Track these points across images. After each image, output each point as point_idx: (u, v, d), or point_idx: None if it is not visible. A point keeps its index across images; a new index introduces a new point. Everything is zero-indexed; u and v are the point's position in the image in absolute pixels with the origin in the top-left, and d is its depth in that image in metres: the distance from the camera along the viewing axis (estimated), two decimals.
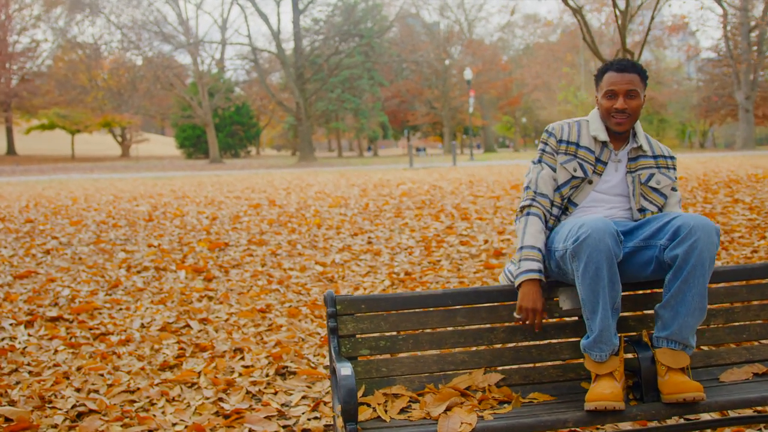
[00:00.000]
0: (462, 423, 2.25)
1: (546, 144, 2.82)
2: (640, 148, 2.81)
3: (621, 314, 2.69)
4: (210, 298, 5.79)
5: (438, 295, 2.72)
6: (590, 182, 2.76)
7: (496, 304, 2.73)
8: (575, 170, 2.74)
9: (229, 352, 4.32)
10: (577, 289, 2.61)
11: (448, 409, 2.39)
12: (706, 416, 3.11)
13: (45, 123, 59.20)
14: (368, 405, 2.48)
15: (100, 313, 5.42)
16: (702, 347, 2.87)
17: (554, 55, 63.23)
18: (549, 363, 2.70)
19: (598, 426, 3.11)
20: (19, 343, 4.72)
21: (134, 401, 3.65)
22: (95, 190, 18.98)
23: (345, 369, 2.28)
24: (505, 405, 2.48)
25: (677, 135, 74.10)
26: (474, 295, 2.73)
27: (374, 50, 50.09)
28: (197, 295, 5.87)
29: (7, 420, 3.42)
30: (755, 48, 49.45)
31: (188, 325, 4.99)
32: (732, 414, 3.09)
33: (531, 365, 2.70)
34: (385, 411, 2.43)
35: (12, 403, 3.64)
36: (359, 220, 9.97)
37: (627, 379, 2.50)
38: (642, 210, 2.78)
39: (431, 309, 2.70)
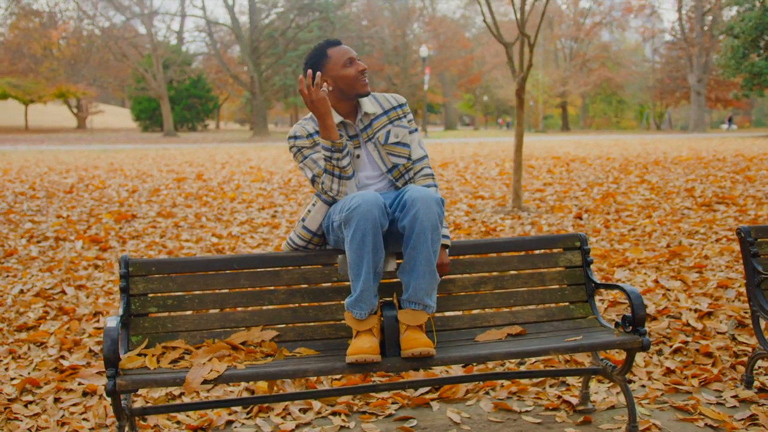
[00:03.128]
0: (211, 370, 2.56)
1: (298, 147, 3.02)
2: (367, 114, 3.06)
3: (391, 281, 3.01)
4: (96, 267, 6.03)
5: (224, 259, 3.02)
6: (357, 156, 3.06)
7: (277, 268, 3.03)
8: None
9: (87, 316, 4.59)
10: None
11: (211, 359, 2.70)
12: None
13: None
14: (153, 355, 2.78)
15: None
16: (472, 311, 3.20)
17: (513, 33, 63.58)
18: (323, 322, 3.02)
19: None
20: None
21: None
22: (35, 162, 18.92)
23: (111, 321, 2.57)
24: (269, 357, 2.80)
25: (635, 116, 75.28)
26: (258, 261, 3.04)
27: (333, 25, 49.86)
28: (85, 263, 6.10)
29: None
30: (708, 31, 50.34)
31: (64, 291, 5.24)
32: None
33: (306, 324, 3.02)
34: (158, 361, 2.73)
35: None
36: (275, 194, 10.24)
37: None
38: (395, 166, 3.05)
39: (217, 272, 3.00)
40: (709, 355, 3.82)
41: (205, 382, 2.53)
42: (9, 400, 3.43)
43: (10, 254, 6.48)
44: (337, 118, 3.01)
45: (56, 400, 3.43)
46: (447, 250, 2.99)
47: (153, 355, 2.74)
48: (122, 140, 41.33)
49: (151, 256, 6.39)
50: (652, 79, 63.19)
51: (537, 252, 3.29)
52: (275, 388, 3.52)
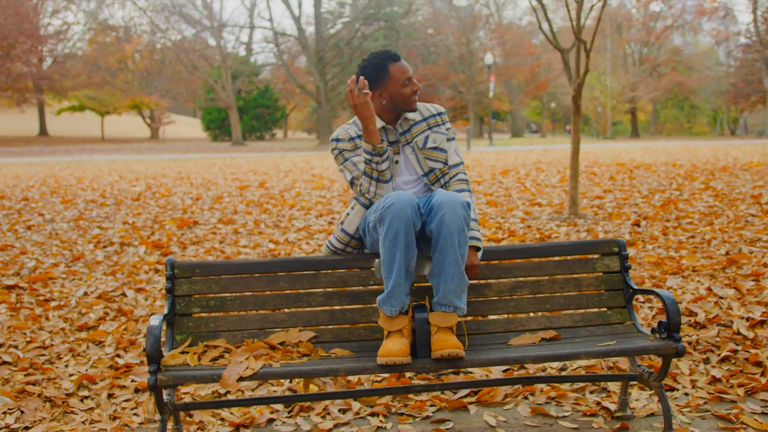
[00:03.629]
0: (247, 368, 2.67)
1: (340, 149, 3.12)
2: (407, 119, 3.15)
3: (425, 284, 3.07)
4: (156, 271, 6.26)
5: (265, 262, 3.13)
6: (396, 162, 3.14)
7: (316, 272, 3.13)
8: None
9: (144, 317, 4.78)
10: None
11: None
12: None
13: (75, 105, 60.45)
14: (194, 353, 2.91)
15: (54, 283, 5.92)
16: (507, 315, 3.23)
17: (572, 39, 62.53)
18: (359, 324, 3.10)
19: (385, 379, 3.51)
20: None
21: (44, 355, 4.13)
22: (108, 171, 19.65)
23: (154, 320, 2.70)
24: (305, 357, 2.89)
25: (709, 122, 73.12)
26: (297, 264, 3.14)
27: (398, 34, 50.17)
28: (146, 267, 6.34)
29: None
30: None
31: (124, 294, 5.47)
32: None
33: (342, 326, 3.10)
34: (199, 359, 2.85)
35: None
36: (334, 202, 10.39)
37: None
38: (431, 170, 3.13)
39: (258, 274, 3.11)
40: (758, 364, 3.73)
41: (240, 379, 2.63)
42: (67, 394, 3.62)
43: (77, 258, 6.79)
44: (379, 123, 3.10)
45: (110, 396, 3.60)
46: (479, 253, 3.03)
47: (194, 353, 2.87)
48: (192, 150, 42.44)
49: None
50: (726, 83, 61.24)
51: (574, 257, 3.29)
52: (317, 389, 3.62)
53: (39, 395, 3.61)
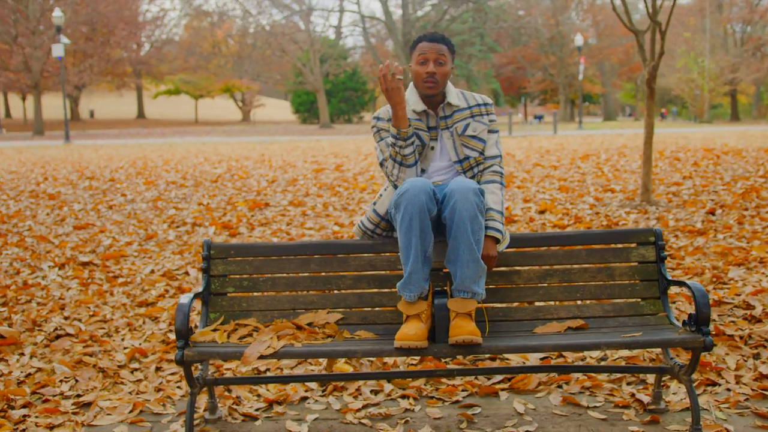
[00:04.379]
0: (269, 346, 2.76)
1: (378, 128, 3.18)
2: (451, 105, 3.14)
3: (446, 270, 3.08)
4: None
5: (296, 245, 3.22)
6: (432, 148, 3.15)
7: (346, 255, 3.19)
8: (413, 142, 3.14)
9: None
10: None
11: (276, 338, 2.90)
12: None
13: (171, 89, 62.60)
14: (225, 331, 3.03)
15: (125, 260, 6.22)
16: (536, 303, 3.20)
17: (678, 18, 60.15)
18: (386, 308, 3.15)
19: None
20: (46, 280, 5.57)
21: (103, 328, 4.37)
22: (195, 153, 20.32)
23: (184, 298, 2.83)
24: (329, 338, 2.97)
25: None
26: (328, 247, 3.21)
27: (486, 15, 49.55)
28: None
29: (1, 337, 4.22)
30: None
31: (187, 273, 5.69)
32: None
33: (370, 308, 3.16)
34: (228, 337, 2.97)
35: (11, 325, 4.44)
36: None
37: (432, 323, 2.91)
38: (465, 158, 3.13)
39: (289, 256, 3.20)
40: None
41: (261, 357, 2.73)
42: (119, 366, 3.83)
43: (150, 237, 7.10)
44: (419, 106, 3.13)
45: (157, 369, 3.79)
46: (499, 245, 3.01)
47: (224, 331, 2.98)
48: (280, 132, 43.32)
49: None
50: None
51: (608, 246, 3.23)
52: (353, 369, 3.70)
53: (94, 366, 3.83)
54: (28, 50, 41.45)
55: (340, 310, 3.15)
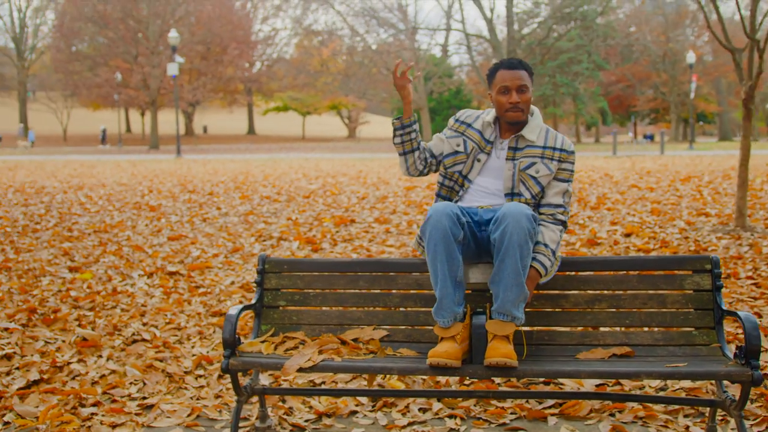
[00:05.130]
0: (309, 359, 2.85)
1: (450, 124, 3.29)
2: (525, 138, 3.11)
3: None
4: None
5: (346, 262, 3.31)
6: (478, 160, 3.16)
7: (393, 273, 3.25)
8: (458, 145, 3.17)
9: None
10: (471, 266, 3.11)
11: (319, 351, 2.99)
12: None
13: (279, 105, 64.60)
14: (272, 343, 3.15)
15: (210, 271, 6.50)
16: (582, 328, 3.15)
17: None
18: (431, 327, 3.17)
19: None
20: (134, 288, 5.90)
21: (176, 336, 4.60)
22: (296, 169, 20.88)
23: (233, 310, 2.96)
24: (371, 354, 3.03)
25: None
26: (376, 266, 3.28)
27: (594, 32, 48.54)
28: None
29: (84, 340, 4.51)
30: None
31: None
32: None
33: (414, 327, 3.20)
34: (275, 348, 3.08)
35: (94, 328, 4.74)
36: None
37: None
38: (517, 194, 3.10)
39: (339, 273, 3.29)
40: None
41: (300, 369, 2.82)
42: (185, 372, 4.02)
43: (236, 250, 7.38)
44: (491, 116, 3.19)
45: (219, 377, 3.95)
46: (539, 279, 2.98)
47: (272, 343, 3.10)
48: (383, 149, 43.84)
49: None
50: None
51: (661, 272, 3.15)
52: (405, 386, 3.74)
53: (162, 370, 4.04)
54: (146, 69, 43.90)
55: (386, 327, 3.20)
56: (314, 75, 59.24)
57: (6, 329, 4.72)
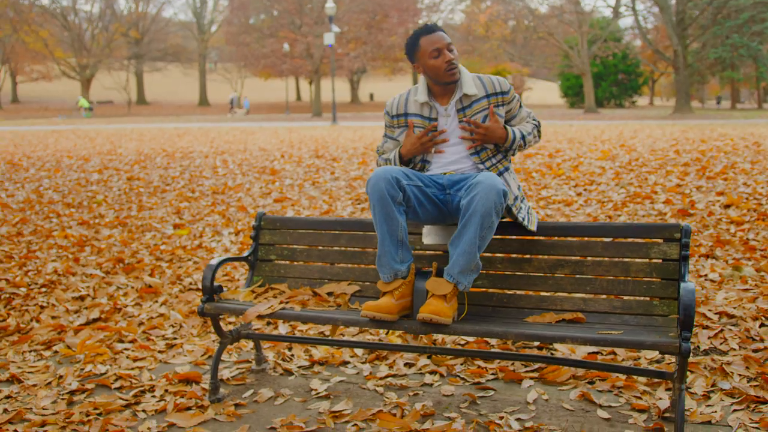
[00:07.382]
0: (268, 307, 3.11)
1: (385, 122, 3.34)
2: (468, 95, 3.14)
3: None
4: None
5: (329, 221, 3.53)
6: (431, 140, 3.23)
7: (372, 233, 3.43)
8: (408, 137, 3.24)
9: None
10: (436, 227, 3.24)
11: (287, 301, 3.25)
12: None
13: None
14: (253, 292, 3.44)
15: None
16: (541, 292, 3.14)
17: None
18: None
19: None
20: (217, 243, 6.42)
21: (228, 287, 5.02)
22: None
23: (213, 261, 3.28)
24: (336, 307, 3.24)
25: None
26: (357, 225, 3.47)
27: None
28: None
29: (149, 287, 5.05)
30: None
31: None
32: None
33: None
34: (255, 298, 3.37)
35: (160, 277, 5.28)
36: (609, 174, 10.07)
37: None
38: (483, 149, 3.16)
39: (323, 231, 3.52)
40: None
41: (259, 316, 3.09)
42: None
43: (327, 213, 7.75)
44: (422, 97, 3.22)
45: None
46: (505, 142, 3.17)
47: (252, 292, 3.39)
48: (545, 116, 42.82)
49: None
50: None
51: (627, 240, 3.11)
52: (402, 341, 3.92)
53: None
54: (310, 39, 45.50)
55: (359, 282, 3.40)
56: (479, 40, 58.62)
57: (89, 275, 5.38)
